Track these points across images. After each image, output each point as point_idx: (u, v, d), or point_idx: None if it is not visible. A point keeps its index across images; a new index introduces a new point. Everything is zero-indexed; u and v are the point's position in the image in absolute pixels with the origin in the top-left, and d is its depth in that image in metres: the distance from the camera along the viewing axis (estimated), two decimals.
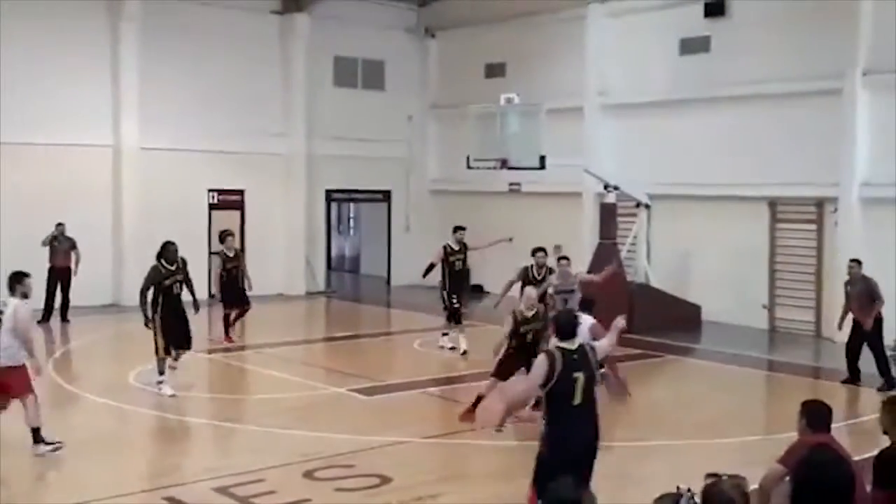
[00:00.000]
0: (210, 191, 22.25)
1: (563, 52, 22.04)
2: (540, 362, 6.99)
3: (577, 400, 6.99)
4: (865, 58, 16.85)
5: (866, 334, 13.52)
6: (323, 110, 23.59)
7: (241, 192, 22.73)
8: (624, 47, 20.88)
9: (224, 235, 16.44)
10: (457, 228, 16.09)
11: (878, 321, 13.51)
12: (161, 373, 12.45)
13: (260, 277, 20.57)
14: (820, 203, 17.71)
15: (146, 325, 12.43)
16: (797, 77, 17.61)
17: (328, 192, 24.31)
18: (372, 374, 13.85)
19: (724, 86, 18.82)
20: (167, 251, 12.69)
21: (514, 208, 22.66)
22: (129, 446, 10.70)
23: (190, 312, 13.18)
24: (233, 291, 16.23)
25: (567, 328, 7.21)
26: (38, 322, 17.65)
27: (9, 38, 19.14)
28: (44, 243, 18.12)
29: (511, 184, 22.22)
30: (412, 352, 16.20)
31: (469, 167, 18.43)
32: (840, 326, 14.39)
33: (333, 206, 25.16)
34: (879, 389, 13.03)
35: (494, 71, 23.64)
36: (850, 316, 13.79)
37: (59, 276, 18.22)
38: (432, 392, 12.95)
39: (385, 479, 8.93)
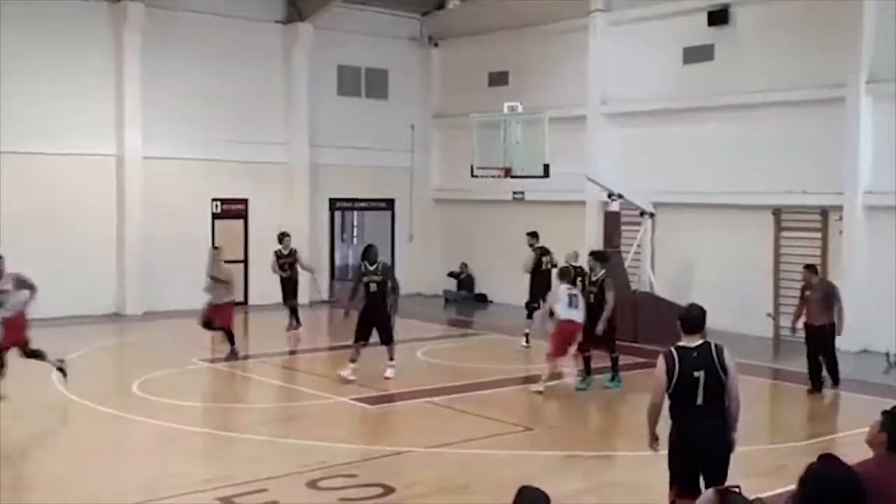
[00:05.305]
0: (213, 200, 22.26)
1: (566, 61, 22.04)
2: (658, 364, 6.80)
3: (700, 399, 6.72)
4: (869, 66, 16.83)
5: (824, 338, 13.46)
6: (326, 119, 23.61)
7: (244, 202, 22.73)
8: (627, 56, 20.87)
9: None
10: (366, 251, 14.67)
11: (833, 326, 13.48)
12: (350, 360, 13.71)
13: (263, 287, 20.62)
14: (824, 211, 17.66)
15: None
16: (801, 85, 17.59)
17: (332, 201, 24.32)
18: (375, 383, 13.80)
19: (727, 94, 18.80)
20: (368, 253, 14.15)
21: (517, 217, 22.60)
22: (131, 456, 10.68)
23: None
24: None
25: (688, 323, 6.87)
26: None
27: (11, 47, 19.20)
28: None
29: (515, 192, 22.20)
30: (415, 361, 16.14)
31: (473, 176, 18.43)
32: (794, 328, 14.27)
33: (337, 214, 25.13)
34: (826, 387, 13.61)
35: (497, 80, 23.65)
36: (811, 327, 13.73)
37: None
38: (435, 401, 12.89)
39: (388, 489, 8.88)
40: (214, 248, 15.91)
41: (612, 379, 13.88)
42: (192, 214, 21.71)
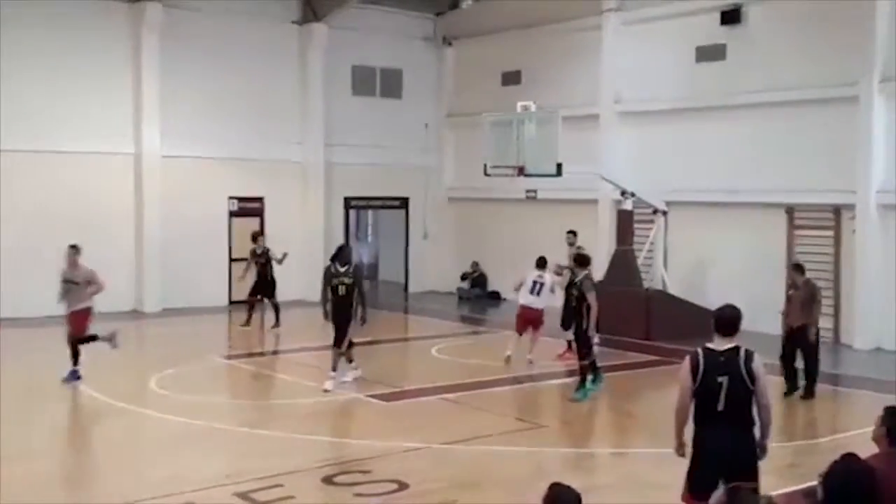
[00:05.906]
0: (230, 198, 22.46)
1: (579, 60, 22.12)
2: (682, 365, 6.62)
3: (721, 406, 6.47)
4: (882, 65, 16.83)
5: (805, 340, 13.04)
6: (341, 118, 23.77)
7: (260, 200, 22.92)
8: (640, 55, 20.92)
9: None
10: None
11: (816, 328, 13.16)
12: (332, 368, 13.31)
13: (280, 284, 20.82)
14: (837, 210, 17.69)
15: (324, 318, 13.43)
16: (813, 84, 17.62)
17: (347, 200, 24.47)
18: (389, 379, 13.92)
19: (740, 93, 18.84)
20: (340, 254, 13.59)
21: (530, 215, 22.75)
22: (148, 451, 10.80)
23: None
24: None
25: (719, 323, 6.58)
26: None
27: (30, 46, 19.45)
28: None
29: (528, 191, 22.29)
30: (429, 358, 16.28)
31: (486, 174, 18.53)
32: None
33: (352, 213, 25.29)
34: (803, 397, 12.94)
35: (511, 79, 23.74)
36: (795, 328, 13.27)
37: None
38: (449, 398, 13.00)
39: (402, 485, 8.98)
40: (72, 247, 13.67)
41: (578, 389, 12.96)
42: (209, 212, 21.91)
